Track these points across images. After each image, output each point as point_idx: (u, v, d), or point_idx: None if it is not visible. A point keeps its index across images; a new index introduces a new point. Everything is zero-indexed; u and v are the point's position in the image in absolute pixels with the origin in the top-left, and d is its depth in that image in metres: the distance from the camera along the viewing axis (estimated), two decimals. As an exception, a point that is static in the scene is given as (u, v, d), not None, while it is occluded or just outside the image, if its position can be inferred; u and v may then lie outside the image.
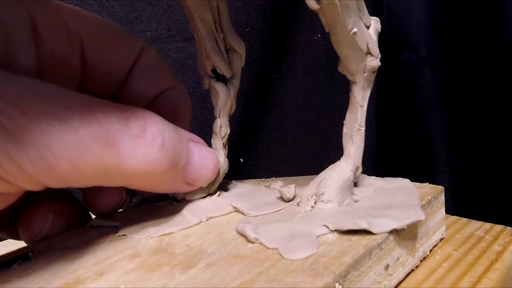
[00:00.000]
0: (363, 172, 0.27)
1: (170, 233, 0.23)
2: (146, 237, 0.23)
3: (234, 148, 0.60)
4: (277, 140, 0.65)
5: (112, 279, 0.19)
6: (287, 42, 0.64)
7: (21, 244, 0.25)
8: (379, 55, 0.26)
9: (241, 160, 0.60)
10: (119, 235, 0.23)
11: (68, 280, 0.19)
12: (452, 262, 0.24)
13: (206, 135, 0.28)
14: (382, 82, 0.72)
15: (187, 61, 0.55)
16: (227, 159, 0.28)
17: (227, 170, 0.28)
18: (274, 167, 0.65)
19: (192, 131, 0.25)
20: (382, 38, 0.68)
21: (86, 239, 0.23)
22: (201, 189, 0.27)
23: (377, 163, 0.76)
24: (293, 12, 0.63)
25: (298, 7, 0.63)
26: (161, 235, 0.23)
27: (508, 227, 0.28)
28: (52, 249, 0.22)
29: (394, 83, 0.71)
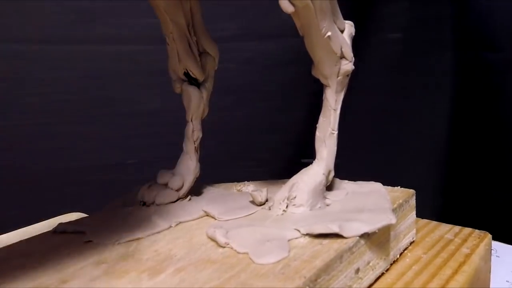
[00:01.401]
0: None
1: (138, 238, 0.22)
2: (113, 242, 0.22)
3: (298, 148, 0.58)
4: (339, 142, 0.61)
5: (76, 286, 0.18)
6: (359, 42, 0.59)
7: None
8: (353, 59, 0.26)
9: (303, 160, 0.58)
10: (84, 241, 0.22)
11: None
12: (422, 265, 0.24)
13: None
14: (463, 85, 0.64)
15: (258, 59, 0.56)
16: (198, 164, 0.28)
17: (198, 174, 0.28)
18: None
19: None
20: (465, 38, 0.58)
21: (49, 245, 0.22)
22: (171, 193, 0.26)
23: (448, 174, 0.66)
24: (365, 11, 0.59)
25: (371, 5, 0.59)
26: (128, 241, 0.22)
27: (476, 230, 0.29)
28: (13, 257, 0.21)
29: (476, 87, 0.62)
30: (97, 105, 0.54)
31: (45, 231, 0.25)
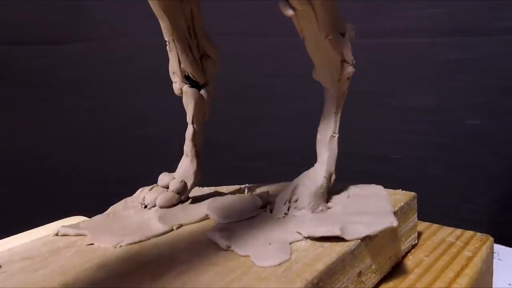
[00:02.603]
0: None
1: (140, 241, 0.22)
2: (115, 245, 0.22)
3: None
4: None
5: None
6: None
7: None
8: (354, 62, 0.26)
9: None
10: (86, 244, 0.22)
11: None
12: (424, 268, 0.24)
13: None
14: None
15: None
16: (200, 167, 0.28)
17: (199, 178, 0.28)
18: None
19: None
20: None
21: (51, 248, 0.22)
22: (172, 196, 0.26)
23: (449, 176, 0.60)
24: None
25: None
26: (130, 244, 0.22)
27: (478, 233, 0.29)
28: (14, 260, 0.21)
29: None
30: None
31: (47, 234, 0.25)
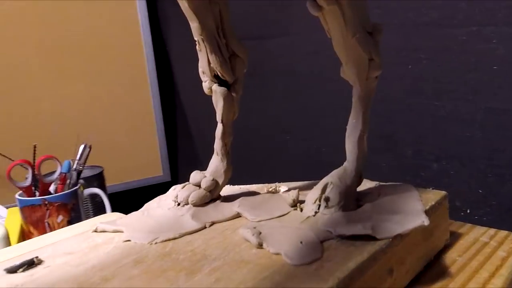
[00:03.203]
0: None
1: (174, 238, 0.23)
2: (151, 242, 0.23)
3: None
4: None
5: (116, 284, 0.19)
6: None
7: (26, 248, 0.25)
8: (382, 61, 0.26)
9: None
10: (123, 240, 0.23)
11: (73, 286, 0.19)
12: (457, 268, 0.24)
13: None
14: None
15: None
16: (231, 165, 0.28)
17: (230, 175, 0.28)
18: None
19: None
20: None
21: (91, 244, 0.23)
22: (204, 194, 0.27)
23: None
24: None
25: None
26: (165, 240, 0.23)
27: (513, 233, 0.28)
28: (56, 255, 0.22)
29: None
30: None
31: (86, 230, 0.26)
